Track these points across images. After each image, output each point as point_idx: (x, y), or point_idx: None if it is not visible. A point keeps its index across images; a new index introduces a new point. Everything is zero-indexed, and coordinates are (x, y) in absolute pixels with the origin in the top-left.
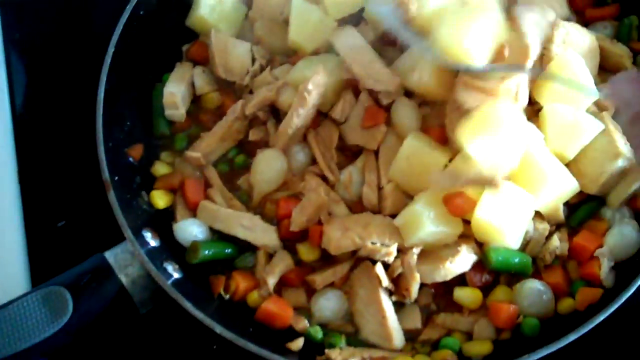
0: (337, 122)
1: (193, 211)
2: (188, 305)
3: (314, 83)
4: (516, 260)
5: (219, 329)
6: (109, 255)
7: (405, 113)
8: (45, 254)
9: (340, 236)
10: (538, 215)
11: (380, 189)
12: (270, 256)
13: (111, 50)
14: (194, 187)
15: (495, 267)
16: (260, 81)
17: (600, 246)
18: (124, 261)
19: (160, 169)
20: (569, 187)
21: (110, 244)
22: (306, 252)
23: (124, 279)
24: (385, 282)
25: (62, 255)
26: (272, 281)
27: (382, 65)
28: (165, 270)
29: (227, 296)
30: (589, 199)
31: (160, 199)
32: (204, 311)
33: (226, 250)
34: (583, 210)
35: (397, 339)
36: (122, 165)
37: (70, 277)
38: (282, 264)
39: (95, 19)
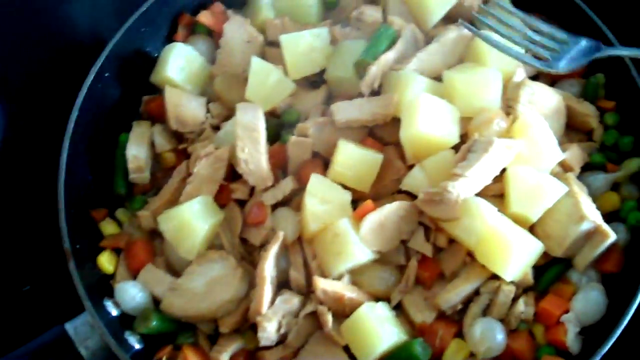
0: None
1: (134, 273)
2: None
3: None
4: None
5: None
6: (69, 327)
7: (282, 221)
8: (9, 319)
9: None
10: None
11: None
12: (209, 337)
13: (74, 114)
14: (140, 249)
15: None
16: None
17: (567, 311)
18: (84, 333)
19: (108, 227)
20: (534, 250)
21: (74, 312)
22: (249, 340)
23: (84, 352)
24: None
25: (25, 323)
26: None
27: (264, 160)
28: (126, 341)
29: None
30: (556, 261)
31: (108, 263)
32: None
33: (173, 325)
34: (550, 274)
35: None
36: (84, 232)
37: (29, 349)
38: (233, 343)
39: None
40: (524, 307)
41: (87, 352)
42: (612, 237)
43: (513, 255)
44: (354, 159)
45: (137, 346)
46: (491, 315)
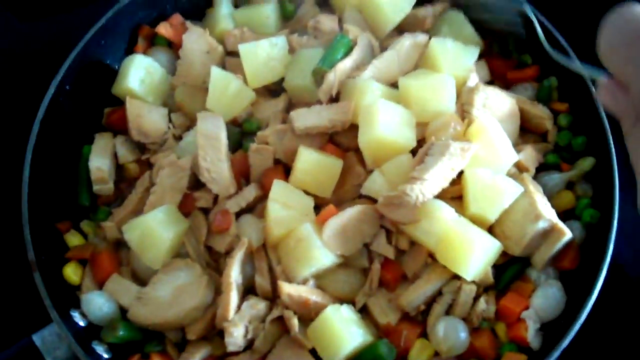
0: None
1: (100, 284)
2: None
3: (178, 165)
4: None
5: None
6: (37, 338)
7: (246, 228)
8: None
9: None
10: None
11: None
12: (177, 344)
13: (36, 127)
14: (105, 259)
15: None
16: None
17: (527, 308)
18: (52, 344)
19: (73, 239)
20: (493, 250)
21: (41, 323)
22: (217, 346)
23: None
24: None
25: None
26: None
27: (226, 168)
28: (94, 351)
29: None
30: (515, 260)
31: (74, 274)
32: None
33: (140, 334)
34: (509, 272)
35: None
36: (50, 244)
37: None
38: (201, 350)
39: (19, 93)
40: (485, 306)
41: None
42: (568, 234)
43: (472, 255)
44: (314, 165)
45: (105, 356)
46: (454, 315)
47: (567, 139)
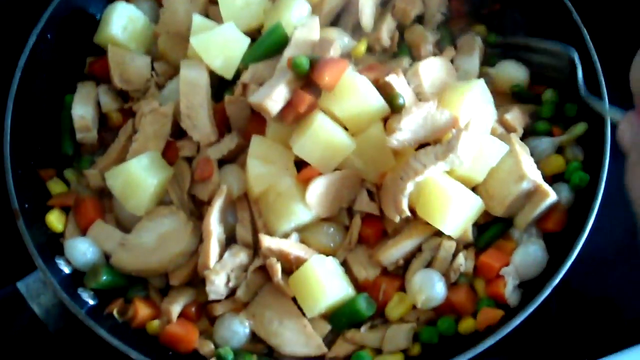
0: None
1: (84, 230)
2: (102, 333)
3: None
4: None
5: (134, 354)
6: (21, 285)
7: (228, 176)
8: None
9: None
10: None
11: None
12: (160, 290)
13: (17, 75)
14: (89, 206)
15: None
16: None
17: (506, 265)
18: (36, 290)
19: (55, 187)
20: (474, 207)
21: (26, 271)
22: (200, 293)
23: (36, 309)
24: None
25: None
26: (175, 311)
27: (207, 116)
28: (79, 297)
29: (121, 319)
30: (497, 220)
31: (57, 222)
32: (119, 338)
33: (124, 280)
34: (490, 232)
35: (321, 342)
36: (33, 192)
37: None
38: (184, 295)
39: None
40: (463, 261)
41: (40, 309)
42: (552, 196)
43: (451, 209)
44: None
45: (91, 302)
46: (434, 268)
47: (550, 110)
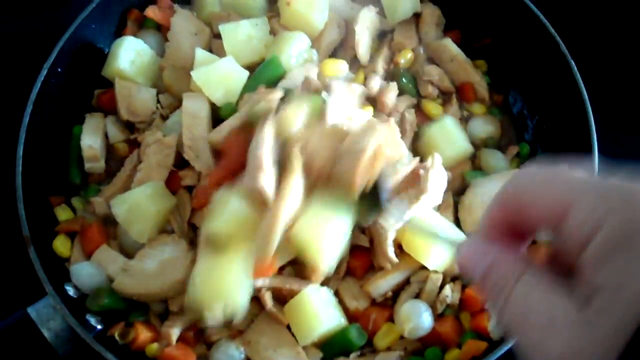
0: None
1: (89, 255)
2: (110, 357)
3: (164, 143)
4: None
5: None
6: (31, 310)
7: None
8: None
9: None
10: None
11: None
12: (159, 315)
13: (29, 108)
14: (94, 231)
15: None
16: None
17: None
18: (47, 315)
19: (63, 213)
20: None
21: (36, 297)
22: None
23: (46, 333)
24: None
25: None
26: (174, 334)
27: (208, 146)
28: (87, 322)
29: (123, 342)
30: None
31: (63, 247)
32: None
33: (125, 304)
34: None
35: None
36: (43, 220)
37: None
38: (183, 320)
39: (11, 75)
40: (450, 293)
41: (50, 333)
42: None
43: (435, 246)
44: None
45: (98, 327)
46: (422, 299)
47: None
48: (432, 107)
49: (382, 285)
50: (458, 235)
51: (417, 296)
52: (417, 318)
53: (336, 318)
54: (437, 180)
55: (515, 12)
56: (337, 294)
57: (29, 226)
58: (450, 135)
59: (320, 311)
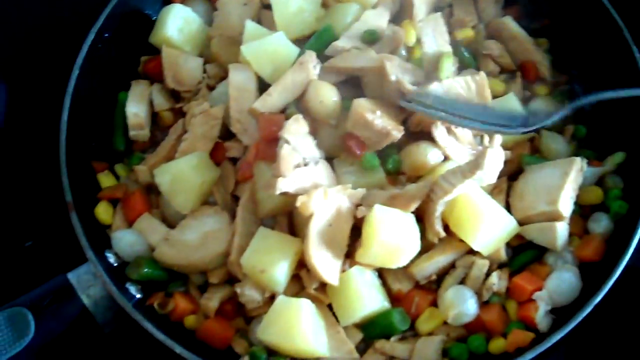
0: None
1: (131, 223)
2: (148, 326)
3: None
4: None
5: (178, 349)
6: (72, 276)
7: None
8: (11, 274)
9: None
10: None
11: None
12: (199, 287)
13: (75, 73)
14: (137, 199)
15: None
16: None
17: (540, 289)
18: (87, 282)
19: (106, 180)
20: (507, 226)
21: (76, 264)
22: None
23: (86, 300)
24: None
25: (27, 275)
26: (214, 307)
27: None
28: (127, 290)
29: (162, 312)
30: (532, 245)
31: (105, 214)
32: (164, 332)
33: (165, 274)
34: (525, 256)
35: (353, 347)
36: (85, 186)
37: (33, 298)
38: (222, 292)
39: (59, 40)
40: (496, 280)
41: (89, 300)
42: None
43: (483, 226)
44: None
45: (137, 295)
46: (467, 285)
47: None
48: (495, 83)
49: (427, 267)
50: (508, 219)
51: (462, 282)
52: (462, 304)
53: (379, 301)
54: (494, 160)
55: None
56: (380, 275)
57: (72, 192)
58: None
59: (363, 293)
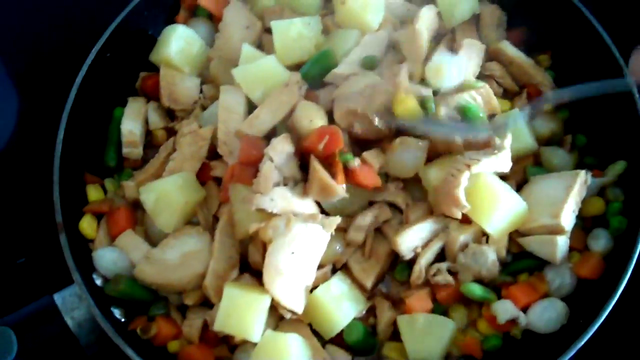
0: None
1: (114, 238)
2: (129, 352)
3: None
4: None
5: None
6: (57, 297)
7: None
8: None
9: None
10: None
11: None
12: (178, 308)
13: (73, 93)
14: (122, 215)
15: None
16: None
17: (529, 305)
18: (72, 304)
19: (94, 193)
20: (518, 209)
21: (63, 284)
22: None
23: (70, 322)
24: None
25: (13, 293)
26: (195, 333)
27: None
28: (111, 314)
29: (144, 337)
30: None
31: (89, 228)
32: (145, 358)
33: (145, 293)
34: (522, 263)
35: None
36: (78, 207)
37: (17, 317)
38: (202, 317)
39: (61, 58)
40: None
41: (73, 322)
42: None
43: (498, 207)
44: None
45: (122, 319)
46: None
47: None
48: (501, 102)
49: (410, 238)
50: (521, 204)
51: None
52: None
53: (352, 310)
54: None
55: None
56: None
57: (63, 213)
58: (516, 130)
59: (335, 308)
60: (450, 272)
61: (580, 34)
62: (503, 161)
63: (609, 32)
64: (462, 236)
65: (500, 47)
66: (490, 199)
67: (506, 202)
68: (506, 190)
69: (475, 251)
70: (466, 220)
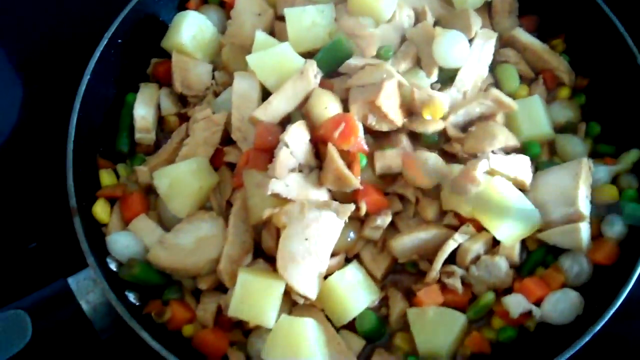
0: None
1: (127, 223)
2: (145, 335)
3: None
4: None
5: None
6: (72, 281)
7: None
8: (11, 275)
9: None
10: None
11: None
12: (192, 292)
13: (86, 78)
14: (135, 200)
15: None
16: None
17: (539, 300)
18: (86, 288)
19: (106, 177)
20: (532, 220)
21: (77, 268)
22: None
23: (84, 306)
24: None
25: (28, 277)
26: (209, 317)
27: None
28: (126, 298)
29: (159, 321)
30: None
31: (102, 212)
32: (160, 341)
33: (159, 277)
34: (536, 255)
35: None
36: (90, 192)
37: (32, 301)
38: (215, 301)
39: (74, 44)
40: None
41: (88, 306)
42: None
43: (509, 215)
44: None
45: (136, 303)
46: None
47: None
48: (519, 87)
49: (406, 242)
50: (534, 213)
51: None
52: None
53: (366, 298)
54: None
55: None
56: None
57: (77, 197)
58: (534, 116)
59: (350, 295)
60: (463, 282)
61: (591, 19)
62: (523, 168)
63: (620, 17)
64: (474, 246)
65: (513, 34)
66: (501, 206)
67: (517, 210)
68: (518, 197)
69: (487, 264)
70: (477, 227)
